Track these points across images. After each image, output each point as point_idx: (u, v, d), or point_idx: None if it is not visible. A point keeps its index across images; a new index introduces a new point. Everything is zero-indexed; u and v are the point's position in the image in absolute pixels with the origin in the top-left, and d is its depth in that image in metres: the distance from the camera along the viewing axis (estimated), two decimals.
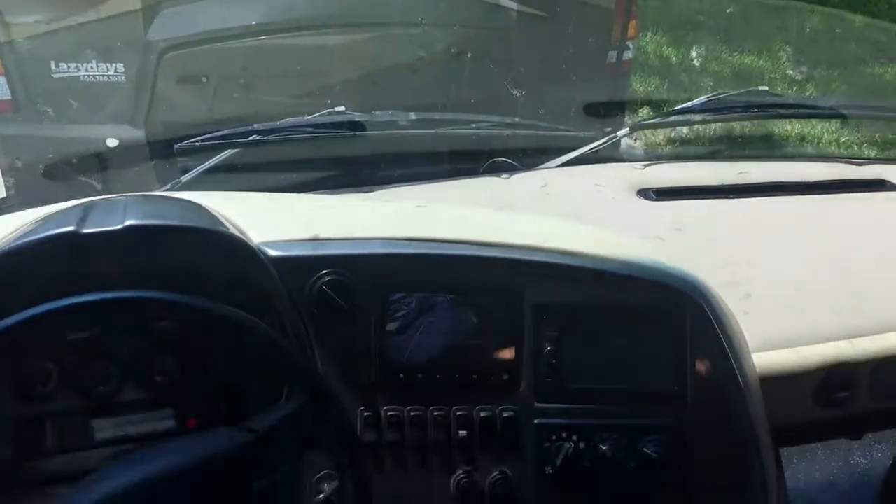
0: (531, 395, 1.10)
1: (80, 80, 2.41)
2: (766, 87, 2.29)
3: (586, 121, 1.99)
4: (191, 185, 1.56)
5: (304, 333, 1.06)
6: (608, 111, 2.04)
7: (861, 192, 1.70)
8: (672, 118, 1.88)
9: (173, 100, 2.36)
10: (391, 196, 1.61)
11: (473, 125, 1.82)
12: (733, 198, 1.66)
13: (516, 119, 1.90)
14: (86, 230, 0.95)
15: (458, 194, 1.68)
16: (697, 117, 1.84)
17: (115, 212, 1.00)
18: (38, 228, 0.97)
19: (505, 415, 1.10)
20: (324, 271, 1.06)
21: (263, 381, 1.07)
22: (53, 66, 2.38)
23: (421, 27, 2.38)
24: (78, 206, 1.06)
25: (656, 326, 1.11)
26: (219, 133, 1.59)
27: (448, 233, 1.14)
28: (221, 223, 1.05)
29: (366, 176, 1.73)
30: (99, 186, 1.68)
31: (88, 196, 1.11)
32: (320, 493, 1.03)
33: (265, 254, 1.05)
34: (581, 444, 1.09)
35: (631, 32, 2.87)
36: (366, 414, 1.08)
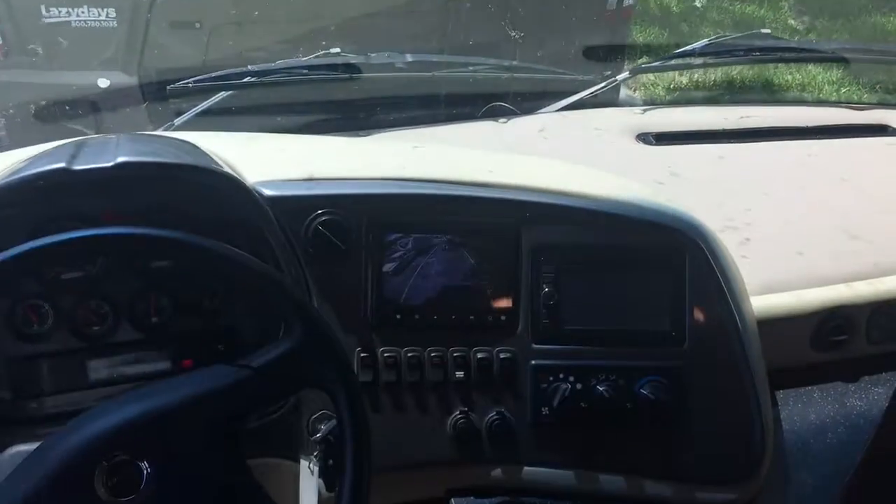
0: (528, 337, 1.10)
1: (72, 26, 2.38)
2: (768, 31, 2.25)
3: (586, 65, 1.96)
4: (184, 128, 1.55)
5: (300, 273, 1.05)
6: (608, 55, 2.01)
7: (862, 136, 1.68)
8: (673, 62, 1.85)
9: (166, 45, 2.32)
10: (387, 140, 1.59)
11: (471, 68, 1.79)
12: (733, 142, 1.65)
13: (515, 62, 1.88)
14: (77, 167, 0.94)
15: (456, 139, 1.66)
16: (699, 61, 1.81)
17: (107, 149, 0.99)
18: (30, 165, 0.96)
19: (502, 356, 1.09)
20: (319, 211, 1.05)
21: (259, 321, 1.07)
22: (44, 11, 2.34)
23: None
24: (69, 143, 1.04)
25: (655, 268, 1.10)
26: (212, 75, 1.57)
27: (445, 173, 1.12)
28: (215, 162, 1.04)
29: (362, 119, 1.71)
30: (91, 130, 1.66)
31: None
32: (317, 433, 1.04)
33: (260, 193, 1.04)
34: (578, 386, 1.09)
35: None
36: (362, 355, 1.08)
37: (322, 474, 1.02)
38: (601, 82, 1.83)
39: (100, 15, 2.39)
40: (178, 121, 1.57)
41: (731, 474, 1.11)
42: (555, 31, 2.27)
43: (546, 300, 1.10)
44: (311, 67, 1.63)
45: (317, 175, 1.09)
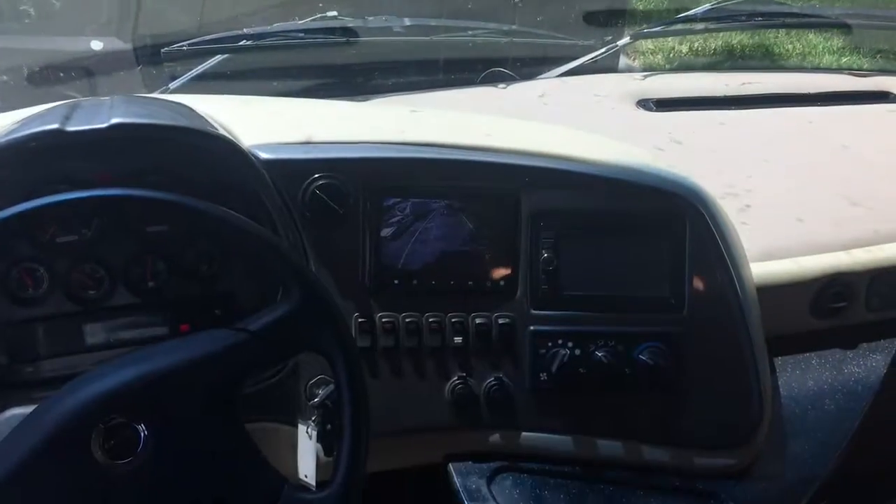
0: (527, 303, 1.09)
1: None
2: None
3: (586, 30, 1.94)
4: (180, 92, 1.53)
5: (298, 238, 1.04)
6: (608, 20, 1.98)
7: (864, 103, 1.67)
8: (675, 27, 1.83)
9: (161, 7, 2.29)
10: (386, 105, 1.58)
11: (470, 33, 1.77)
12: (734, 109, 1.64)
13: (514, 27, 1.85)
14: (70, 128, 0.92)
15: (455, 104, 1.64)
16: (700, 26, 1.80)
17: (101, 111, 0.97)
18: (22, 127, 0.95)
19: (500, 322, 1.09)
20: (316, 175, 1.04)
21: (257, 285, 1.06)
22: None
23: None
24: (63, 105, 1.03)
25: (655, 234, 1.10)
26: (208, 38, 1.55)
27: (444, 137, 1.11)
28: (211, 125, 1.02)
29: (359, 84, 1.69)
30: (85, 94, 1.64)
31: None
32: (315, 398, 1.03)
33: (256, 156, 1.03)
34: (577, 351, 1.09)
35: None
36: (360, 320, 1.07)
37: (320, 439, 1.02)
38: (602, 48, 1.82)
39: None
40: (172, 85, 1.56)
41: (729, 440, 1.11)
42: None
43: (545, 266, 1.09)
44: (307, 31, 1.61)
45: (314, 139, 1.08)
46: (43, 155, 0.94)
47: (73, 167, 0.98)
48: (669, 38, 2.13)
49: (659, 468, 1.12)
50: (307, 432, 1.02)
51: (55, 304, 1.03)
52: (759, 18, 1.81)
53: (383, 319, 1.08)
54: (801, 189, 1.38)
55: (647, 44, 2.71)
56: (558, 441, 1.11)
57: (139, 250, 1.05)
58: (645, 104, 1.65)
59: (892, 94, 1.72)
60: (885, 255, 1.25)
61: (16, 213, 0.80)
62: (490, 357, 1.10)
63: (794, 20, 2.01)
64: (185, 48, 1.52)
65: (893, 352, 1.24)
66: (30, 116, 1.00)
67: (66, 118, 0.95)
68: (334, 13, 1.63)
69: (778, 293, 1.18)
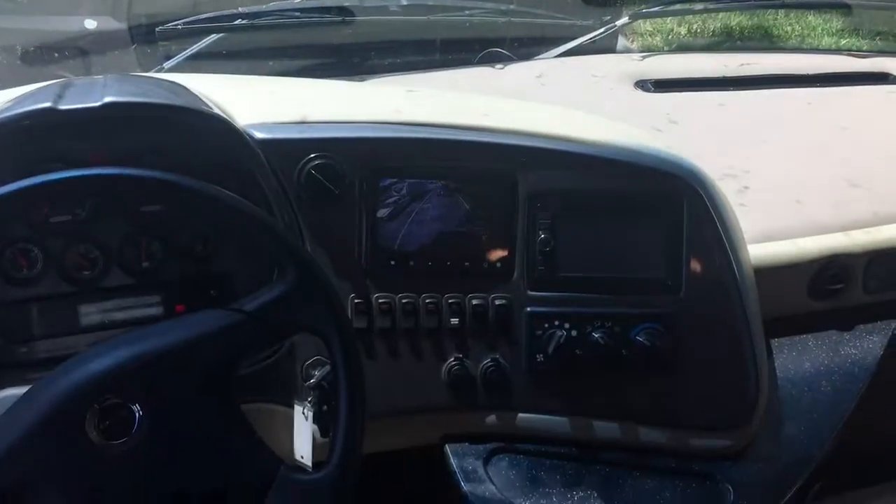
0: (524, 284, 1.09)
1: None
2: None
3: (584, 10, 1.93)
4: (174, 72, 1.52)
5: (293, 218, 1.03)
6: (607, 0, 1.97)
7: (863, 84, 1.66)
8: (674, 7, 1.82)
9: None
10: (382, 85, 1.57)
11: (468, 12, 1.76)
12: (733, 90, 1.63)
13: (512, 6, 1.84)
14: (63, 106, 0.91)
15: (452, 84, 1.63)
16: (699, 6, 1.78)
17: (94, 89, 0.96)
18: (15, 105, 0.94)
19: (497, 303, 1.09)
20: (312, 155, 1.03)
21: (253, 266, 1.05)
22: None
23: None
24: (56, 84, 1.02)
25: (652, 215, 1.09)
26: (203, 17, 1.53)
27: (440, 117, 1.10)
28: (205, 104, 1.01)
29: (356, 64, 1.68)
30: (78, 73, 1.63)
31: None
32: (311, 379, 1.03)
33: (251, 136, 1.02)
34: (573, 332, 1.08)
35: None
36: (356, 301, 1.07)
37: (316, 420, 1.02)
38: (600, 28, 1.80)
39: None
40: (167, 64, 1.54)
41: (726, 421, 1.11)
42: None
43: (542, 247, 1.08)
44: (303, 10, 1.59)
45: (310, 118, 1.07)
46: (35, 134, 0.93)
47: (66, 146, 0.97)
48: (668, 19, 2.11)
49: (655, 449, 1.12)
50: (303, 413, 1.02)
51: (49, 284, 1.02)
52: None
53: (380, 300, 1.07)
54: (800, 170, 1.37)
55: (646, 25, 2.69)
56: (555, 422, 1.11)
57: (134, 230, 1.04)
58: (643, 85, 1.64)
59: (891, 75, 1.72)
60: (884, 237, 1.25)
61: (8, 193, 0.79)
62: (486, 338, 1.09)
63: (794, 0, 1.99)
64: (179, 27, 1.51)
65: (890, 333, 1.24)
66: (22, 95, 0.99)
67: (59, 97, 0.94)
68: None
69: (775, 275, 1.18)
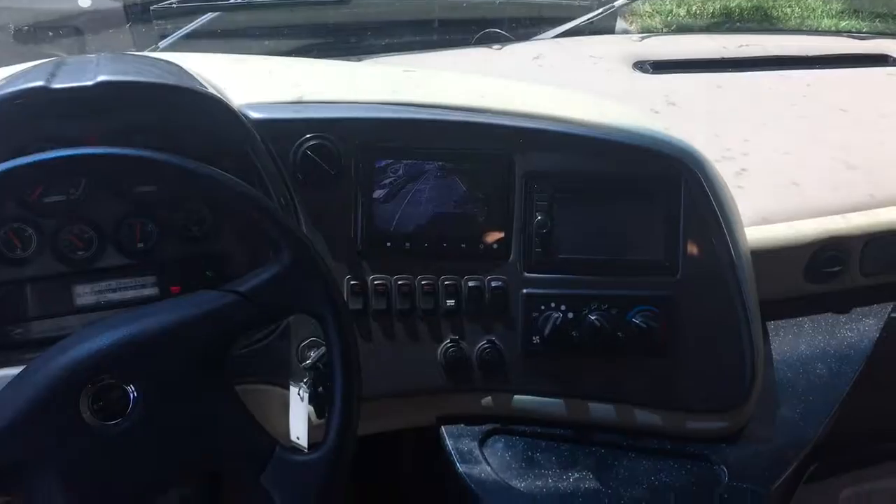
0: (520, 266, 1.09)
1: None
2: None
3: None
4: (170, 51, 1.50)
5: (289, 199, 1.03)
6: None
7: (863, 66, 1.66)
8: None
9: None
10: (379, 65, 1.56)
11: None
12: (732, 71, 1.62)
13: None
14: (56, 85, 0.91)
15: (449, 65, 1.62)
16: None
17: (87, 68, 0.95)
18: (7, 84, 0.93)
19: (493, 285, 1.08)
20: (308, 135, 1.02)
21: (249, 247, 1.05)
22: None
23: None
24: (48, 63, 1.01)
25: (650, 196, 1.08)
26: None
27: (437, 98, 1.09)
28: (200, 83, 1.01)
29: (352, 44, 1.67)
30: (73, 53, 1.61)
31: None
32: (307, 360, 1.03)
33: (247, 116, 1.01)
34: (569, 314, 1.08)
35: None
36: (352, 282, 1.06)
37: (312, 401, 1.01)
38: (598, 8, 1.79)
39: None
40: (162, 44, 1.53)
41: (721, 403, 1.11)
42: None
43: (539, 228, 1.08)
44: None
45: (306, 98, 1.06)
46: (28, 113, 0.92)
47: (59, 126, 0.96)
48: (667, 0, 2.10)
49: (650, 431, 1.12)
50: (299, 394, 1.02)
51: (44, 264, 1.02)
52: None
53: (376, 282, 1.07)
54: (798, 153, 1.37)
55: (645, 6, 2.69)
56: (550, 404, 1.11)
57: (128, 211, 1.04)
58: (641, 66, 1.63)
59: (890, 57, 1.71)
60: (881, 220, 1.24)
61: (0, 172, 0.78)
62: (483, 320, 1.09)
63: None
64: (175, 6, 1.50)
65: (886, 316, 1.24)
66: (15, 74, 0.99)
67: (52, 76, 0.93)
68: None
69: (772, 257, 1.18)
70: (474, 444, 1.10)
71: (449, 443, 1.10)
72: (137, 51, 1.54)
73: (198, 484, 1.32)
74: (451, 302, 1.08)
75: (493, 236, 1.09)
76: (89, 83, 0.91)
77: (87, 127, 0.97)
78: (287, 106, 1.04)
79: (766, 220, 1.21)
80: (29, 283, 1.02)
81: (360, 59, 1.58)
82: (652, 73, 1.62)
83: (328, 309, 0.87)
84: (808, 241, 1.20)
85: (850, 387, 1.17)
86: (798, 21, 3.21)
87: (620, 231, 1.09)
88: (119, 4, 1.77)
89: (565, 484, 1.07)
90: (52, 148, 0.83)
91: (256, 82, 1.11)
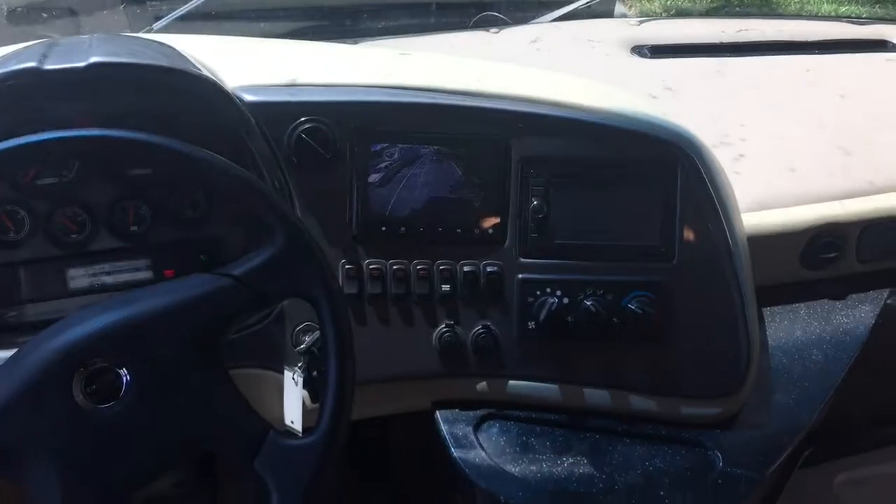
0: (516, 251, 1.08)
1: None
2: None
3: None
4: (164, 33, 1.49)
5: (284, 183, 1.02)
6: None
7: (862, 52, 1.65)
8: None
9: None
10: (375, 48, 1.55)
11: None
12: (731, 56, 1.61)
13: None
14: (48, 66, 0.90)
15: (445, 48, 1.61)
16: None
17: (80, 49, 0.94)
18: None
19: (488, 270, 1.08)
20: (302, 118, 1.01)
21: (243, 231, 1.05)
22: None
23: None
24: (40, 44, 1.00)
25: (646, 182, 1.08)
26: None
27: (433, 81, 1.09)
28: (194, 65, 1.00)
29: (349, 27, 1.66)
30: (66, 34, 1.60)
31: None
32: (301, 344, 1.03)
33: (241, 99, 1.00)
34: (565, 300, 1.08)
35: None
36: (347, 267, 1.06)
37: (306, 385, 1.01)
38: None
39: None
40: (156, 25, 1.52)
41: (716, 389, 1.11)
42: None
43: (535, 213, 1.07)
44: None
45: (301, 80, 1.05)
46: (20, 94, 0.91)
47: (51, 107, 0.95)
48: None
49: (645, 417, 1.12)
50: (293, 378, 1.02)
51: (37, 247, 1.02)
52: None
53: (370, 266, 1.06)
54: (796, 138, 1.36)
55: None
56: (545, 389, 1.11)
57: (122, 194, 1.03)
58: (640, 51, 1.62)
59: (890, 42, 1.70)
60: (878, 206, 1.24)
61: None
62: (478, 305, 1.09)
63: None
64: None
65: (882, 302, 1.24)
66: (6, 55, 0.98)
67: (44, 56, 0.92)
68: None
69: (769, 243, 1.18)
70: (469, 429, 1.10)
71: (443, 428, 1.10)
72: (132, 32, 1.53)
73: (192, 467, 1.32)
74: (446, 287, 1.08)
75: (489, 221, 1.08)
76: (81, 64, 0.90)
77: (79, 109, 0.96)
78: (282, 89, 1.04)
79: (762, 206, 1.20)
80: (22, 266, 1.02)
81: (356, 42, 1.57)
82: (650, 57, 1.61)
83: (322, 293, 0.87)
84: (805, 227, 1.20)
85: (846, 373, 1.17)
86: (797, 6, 3.20)
87: (616, 216, 1.09)
88: None
89: (560, 469, 1.07)
90: (44, 130, 0.83)
91: (251, 65, 1.10)
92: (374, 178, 1.06)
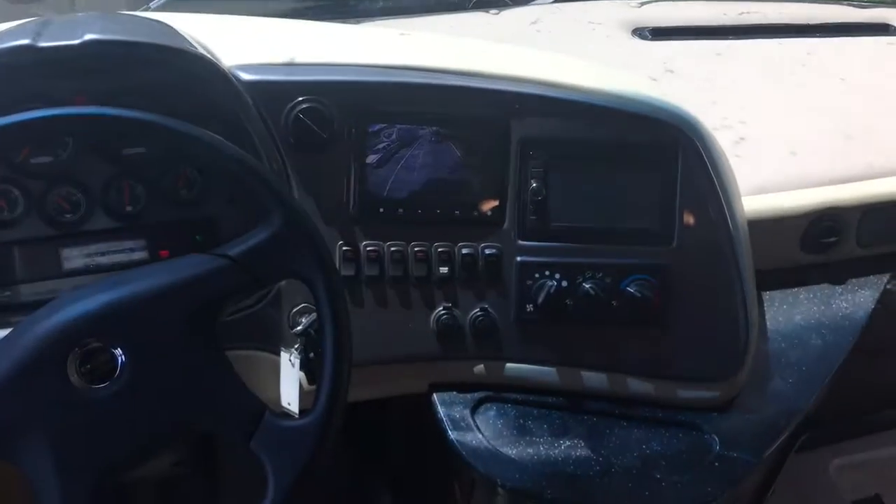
0: (514, 233, 1.07)
1: None
2: None
3: None
4: (160, 11, 1.48)
5: (281, 164, 1.01)
6: None
7: (864, 35, 1.64)
8: None
9: None
10: (373, 28, 1.54)
11: None
12: (732, 38, 1.60)
13: None
14: (42, 44, 0.89)
15: (445, 29, 1.60)
16: None
17: (75, 27, 0.93)
18: None
19: (487, 252, 1.07)
20: (300, 98, 1.01)
21: (239, 210, 1.04)
22: None
23: None
24: (35, 21, 0.99)
25: (646, 164, 1.07)
26: None
27: (432, 61, 1.07)
28: (190, 44, 0.99)
29: (347, 7, 1.65)
30: (63, 12, 1.59)
31: None
32: (297, 326, 1.02)
33: (238, 78, 0.99)
34: (563, 283, 1.07)
35: None
36: (344, 248, 1.05)
37: (303, 367, 1.01)
38: None
39: None
40: (153, 3, 1.51)
41: (714, 373, 1.11)
42: None
43: (533, 196, 1.07)
44: None
45: (298, 60, 1.04)
46: (14, 72, 0.90)
47: (46, 85, 0.94)
48: None
49: (642, 400, 1.12)
50: (290, 360, 1.02)
51: (31, 227, 1.01)
52: None
53: (368, 248, 1.06)
54: (797, 122, 1.35)
55: None
56: (543, 372, 1.11)
57: (117, 173, 1.02)
58: (640, 33, 1.61)
59: (891, 26, 1.69)
60: (879, 191, 1.23)
61: None
62: (476, 287, 1.08)
63: None
64: None
65: (882, 287, 1.24)
66: (0, 32, 0.96)
67: (38, 34, 0.91)
68: None
69: (769, 227, 1.17)
70: (466, 412, 1.10)
71: (441, 410, 1.10)
72: (129, 10, 1.51)
73: (189, 448, 1.32)
74: (444, 269, 1.07)
75: (488, 203, 1.08)
76: (76, 42, 0.89)
77: (74, 86, 0.95)
78: (279, 68, 1.03)
79: (763, 190, 1.20)
80: (16, 246, 1.01)
81: (355, 23, 1.56)
82: (651, 39, 1.60)
83: (319, 274, 0.86)
84: (805, 211, 1.19)
85: (844, 358, 1.17)
86: None
87: (616, 199, 1.08)
88: None
89: (557, 451, 1.07)
90: (39, 108, 0.82)
91: (248, 44, 1.09)
92: (372, 158, 1.05)
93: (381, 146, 1.05)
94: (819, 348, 1.18)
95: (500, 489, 1.05)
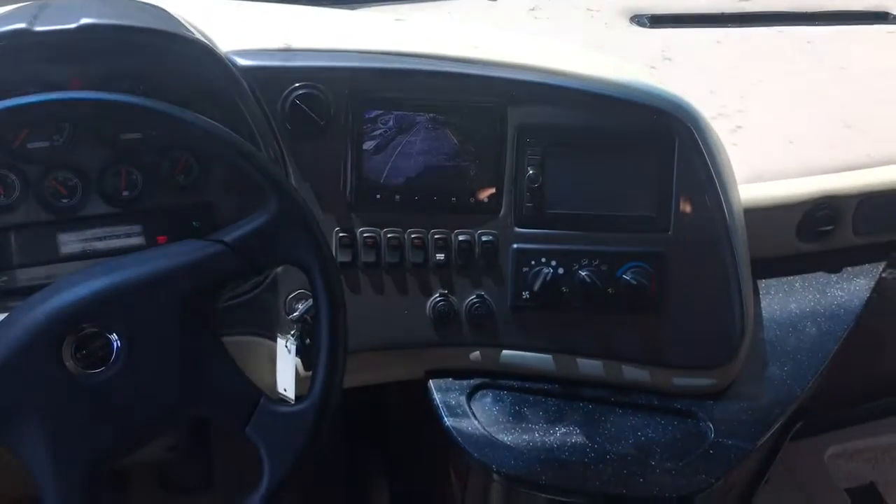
0: (511, 220, 1.07)
1: None
2: None
3: None
4: None
5: (277, 150, 1.01)
6: None
7: (863, 23, 1.63)
8: None
9: None
10: (370, 14, 1.53)
11: None
12: (731, 26, 1.60)
13: None
14: (38, 27, 0.88)
15: (443, 15, 1.60)
16: None
17: (71, 11, 0.93)
18: None
19: (483, 239, 1.07)
20: (297, 84, 1.00)
21: (236, 196, 1.04)
22: None
23: None
24: (31, 5, 0.98)
25: (643, 152, 1.07)
26: None
27: (429, 48, 1.07)
28: (187, 28, 0.98)
29: None
30: None
31: None
32: (294, 312, 1.02)
33: (234, 63, 0.99)
34: (560, 270, 1.07)
35: None
36: (341, 235, 1.05)
37: (299, 353, 1.01)
38: None
39: None
40: None
41: (710, 360, 1.11)
42: None
43: (530, 183, 1.07)
44: None
45: (295, 45, 1.04)
46: (10, 56, 0.90)
47: (43, 69, 0.94)
48: None
49: (638, 387, 1.12)
50: (286, 346, 1.02)
51: (28, 212, 1.01)
52: None
53: (365, 234, 1.06)
54: (795, 110, 1.35)
55: None
56: (538, 359, 1.11)
57: (113, 159, 1.02)
58: (639, 20, 1.61)
59: (891, 14, 1.69)
60: (875, 179, 1.24)
61: None
62: (472, 274, 1.08)
63: None
64: None
65: (877, 276, 1.24)
66: None
67: (35, 18, 0.91)
68: None
69: (765, 215, 1.17)
70: (462, 398, 1.10)
71: (437, 396, 1.10)
72: None
73: (185, 433, 1.33)
74: (440, 256, 1.07)
75: (484, 190, 1.07)
76: (72, 26, 0.89)
77: (70, 71, 0.95)
78: (276, 53, 1.02)
79: (760, 178, 1.20)
80: (13, 231, 1.01)
81: (352, 8, 1.55)
82: (649, 27, 1.60)
83: (315, 260, 0.86)
84: (802, 200, 1.19)
85: (839, 346, 1.17)
86: None
87: (613, 186, 1.08)
88: None
89: (552, 438, 1.07)
90: (35, 92, 0.81)
91: (245, 29, 1.08)
92: (368, 145, 1.05)
93: (377, 132, 1.05)
94: (814, 336, 1.18)
95: (495, 475, 1.05)
